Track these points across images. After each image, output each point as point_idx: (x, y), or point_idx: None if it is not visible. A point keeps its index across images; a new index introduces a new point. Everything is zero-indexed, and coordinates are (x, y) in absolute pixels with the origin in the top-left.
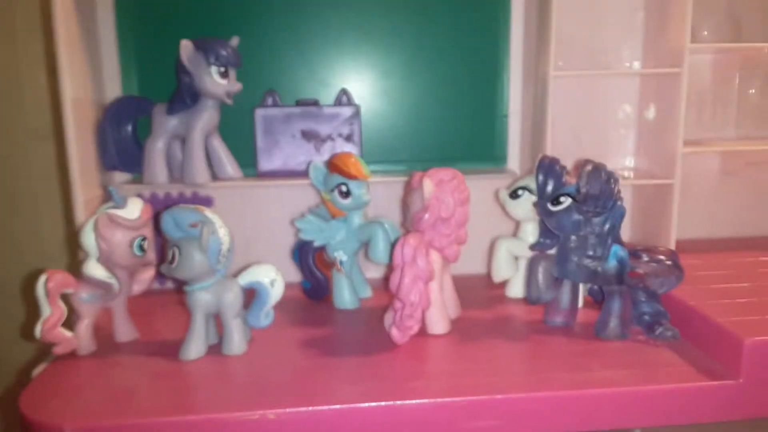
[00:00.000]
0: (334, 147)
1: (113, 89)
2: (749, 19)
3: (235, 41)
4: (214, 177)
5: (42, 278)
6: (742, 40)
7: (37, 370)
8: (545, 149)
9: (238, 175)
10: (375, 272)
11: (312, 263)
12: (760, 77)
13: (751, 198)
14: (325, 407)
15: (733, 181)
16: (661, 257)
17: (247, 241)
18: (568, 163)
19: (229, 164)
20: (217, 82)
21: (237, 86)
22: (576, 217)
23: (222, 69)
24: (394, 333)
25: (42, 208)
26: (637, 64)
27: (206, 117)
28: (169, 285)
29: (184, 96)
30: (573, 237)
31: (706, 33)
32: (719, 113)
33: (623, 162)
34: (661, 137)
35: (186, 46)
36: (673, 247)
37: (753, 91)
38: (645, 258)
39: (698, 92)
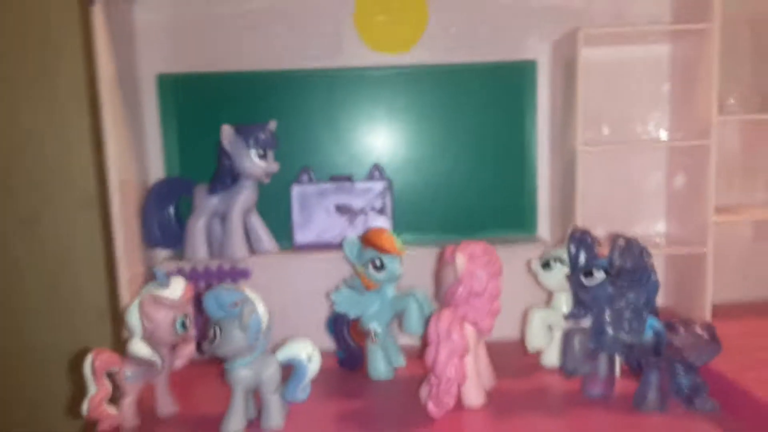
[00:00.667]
0: (366, 220)
1: (156, 169)
2: None
3: (272, 125)
4: (252, 251)
5: (89, 357)
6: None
7: None
8: (576, 220)
9: (274, 249)
10: (409, 339)
11: (347, 334)
12: None
13: None
14: None
15: (767, 245)
16: (698, 331)
17: (283, 312)
18: (599, 229)
19: (266, 239)
20: (256, 163)
21: (274, 166)
22: (610, 290)
23: (261, 151)
24: (431, 407)
25: (85, 273)
26: (664, 134)
27: (245, 196)
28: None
29: (224, 177)
30: (608, 311)
31: (732, 101)
32: (749, 178)
33: (655, 228)
34: (692, 206)
35: (227, 131)
36: (708, 313)
37: None
38: (682, 331)
39: (727, 158)
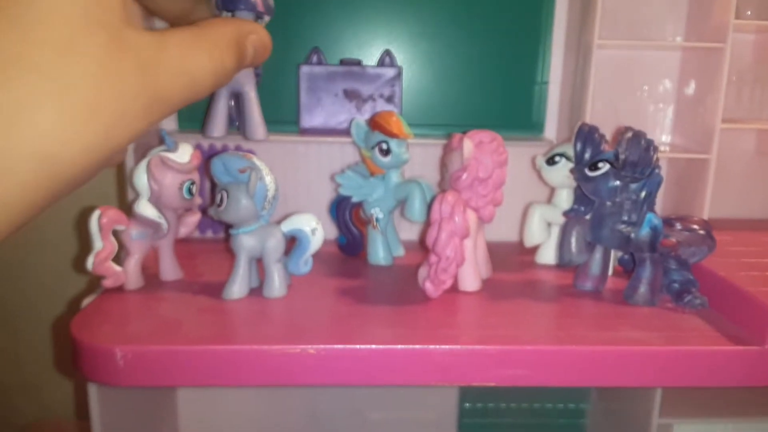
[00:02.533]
0: (375, 107)
1: None
2: None
3: None
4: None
5: (95, 214)
6: None
7: (87, 301)
8: (584, 118)
9: (263, 137)
10: (409, 233)
11: (349, 219)
12: None
13: None
14: (363, 346)
15: None
16: (695, 227)
17: (286, 195)
18: (606, 133)
19: (257, 125)
20: None
21: None
22: (613, 183)
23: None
24: (428, 286)
25: None
26: (679, 39)
27: None
28: (210, 234)
29: None
30: (608, 203)
31: (749, 12)
32: (759, 93)
33: (660, 136)
34: (700, 113)
35: None
36: None
37: None
38: (678, 227)
39: (739, 71)
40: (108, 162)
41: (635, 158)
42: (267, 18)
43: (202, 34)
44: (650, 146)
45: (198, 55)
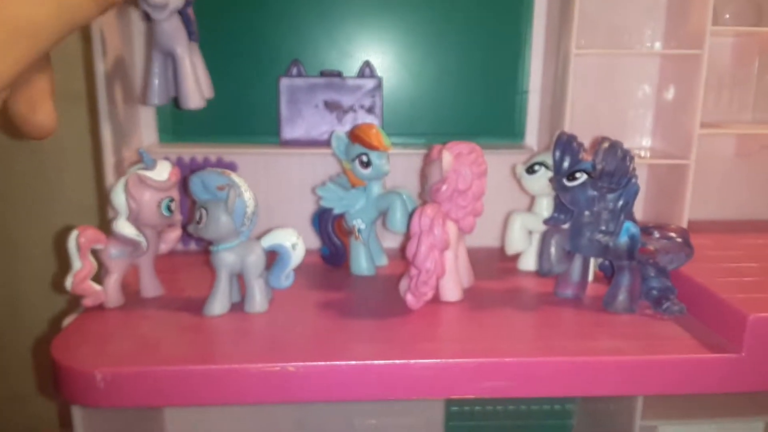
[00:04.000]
0: (355, 118)
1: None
2: None
3: None
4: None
5: (74, 233)
6: (763, 25)
7: (68, 320)
8: (564, 126)
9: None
10: (391, 242)
11: (331, 230)
12: None
13: (765, 181)
14: (342, 363)
15: (748, 163)
16: (672, 234)
17: (268, 207)
18: (586, 140)
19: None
20: None
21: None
22: (591, 192)
23: None
24: (409, 298)
25: (71, 165)
26: (658, 45)
27: (159, 31)
28: (193, 246)
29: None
30: (587, 212)
31: (728, 16)
32: (738, 96)
33: (640, 141)
34: (679, 118)
35: None
36: (685, 226)
37: None
38: (656, 235)
39: (718, 75)
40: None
41: (612, 168)
42: None
43: None
44: (626, 156)
45: None
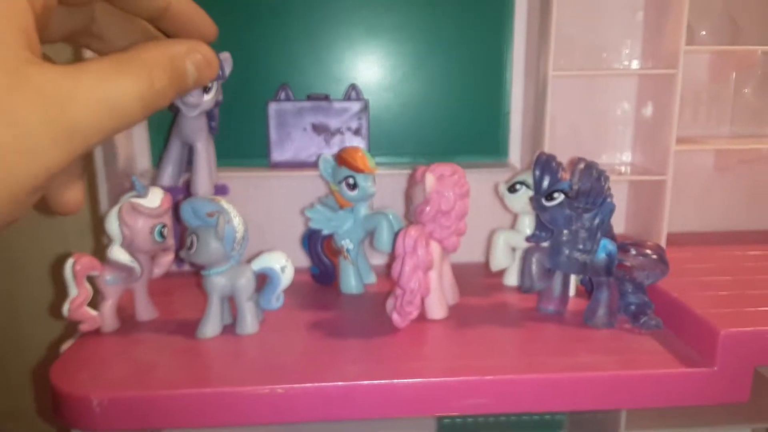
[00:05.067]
0: (343, 140)
1: None
2: (746, 20)
3: (225, 56)
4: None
5: (69, 261)
6: (739, 41)
7: (65, 346)
8: (544, 146)
9: (207, 189)
10: (379, 259)
11: (320, 251)
12: (755, 77)
13: (743, 193)
14: (330, 384)
15: (726, 176)
16: (648, 251)
17: (259, 228)
18: (568, 158)
19: (202, 179)
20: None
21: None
22: (568, 212)
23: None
24: (395, 318)
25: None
26: (636, 63)
27: (184, 126)
28: (187, 268)
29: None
30: (565, 231)
31: (704, 33)
32: (715, 111)
33: (621, 157)
34: (657, 135)
35: None
36: (664, 239)
37: (747, 90)
38: (633, 252)
39: (695, 90)
40: (45, 191)
41: (587, 188)
42: (221, 81)
43: (126, 58)
44: (601, 176)
45: (120, 81)
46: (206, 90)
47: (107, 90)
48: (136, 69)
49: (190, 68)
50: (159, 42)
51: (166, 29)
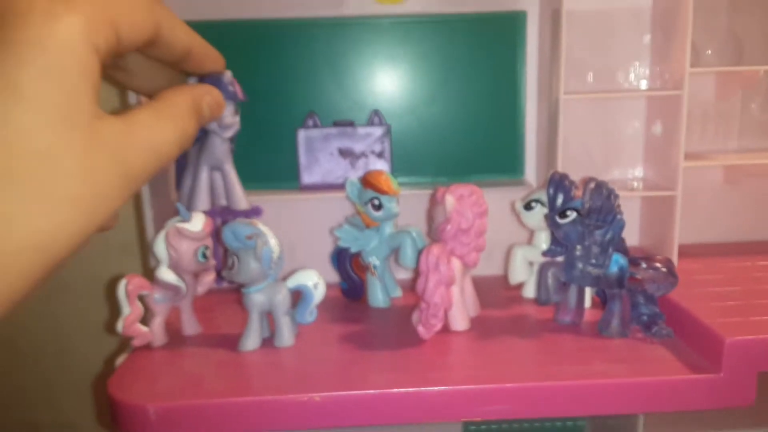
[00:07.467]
0: (367, 163)
1: None
2: (751, 39)
3: (227, 76)
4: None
5: (122, 282)
6: (743, 61)
7: (120, 360)
8: (557, 164)
9: (243, 205)
10: (404, 274)
11: (349, 267)
12: (761, 93)
13: (752, 206)
14: (361, 392)
15: (735, 189)
16: (658, 265)
17: (291, 247)
18: (581, 176)
19: (237, 196)
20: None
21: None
22: (580, 228)
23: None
24: (420, 330)
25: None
26: (644, 84)
27: (209, 149)
28: (225, 285)
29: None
30: (578, 246)
31: (709, 52)
32: (722, 127)
33: (633, 173)
34: (666, 152)
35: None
36: (675, 251)
37: (754, 106)
38: (643, 266)
39: (703, 107)
40: (98, 231)
41: (598, 206)
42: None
43: (163, 108)
44: (611, 195)
45: (163, 130)
46: (236, 110)
47: (153, 138)
48: (172, 117)
49: (206, 110)
50: (182, 89)
51: (187, 69)
